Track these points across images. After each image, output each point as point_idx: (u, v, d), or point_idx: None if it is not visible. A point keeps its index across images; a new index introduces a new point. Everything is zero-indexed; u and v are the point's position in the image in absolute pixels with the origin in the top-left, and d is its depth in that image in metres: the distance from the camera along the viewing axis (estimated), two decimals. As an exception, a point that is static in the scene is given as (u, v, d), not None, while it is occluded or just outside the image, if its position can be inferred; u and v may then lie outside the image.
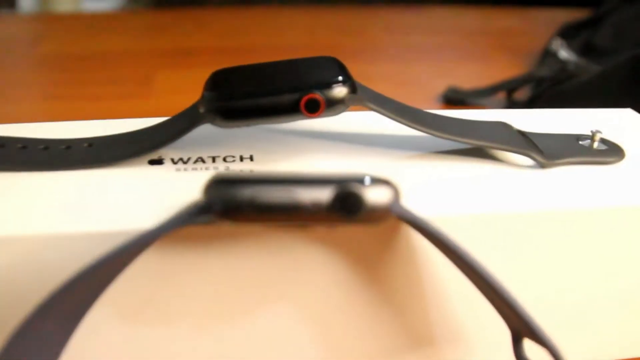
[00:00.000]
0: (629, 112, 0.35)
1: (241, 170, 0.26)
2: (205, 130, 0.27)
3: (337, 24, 0.87)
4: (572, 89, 0.51)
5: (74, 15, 1.04)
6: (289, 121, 0.25)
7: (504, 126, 0.30)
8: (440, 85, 0.59)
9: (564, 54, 0.61)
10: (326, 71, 0.25)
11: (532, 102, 0.54)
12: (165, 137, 0.27)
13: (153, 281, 0.23)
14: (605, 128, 0.31)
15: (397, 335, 0.26)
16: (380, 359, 0.27)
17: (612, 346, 0.29)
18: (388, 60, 0.73)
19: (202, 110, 0.25)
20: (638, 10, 0.65)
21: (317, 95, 0.24)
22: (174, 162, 0.27)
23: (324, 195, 0.20)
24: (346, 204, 0.21)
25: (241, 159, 0.27)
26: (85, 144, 0.28)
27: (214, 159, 0.27)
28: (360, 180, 0.21)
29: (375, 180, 0.21)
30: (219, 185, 0.21)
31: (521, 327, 0.22)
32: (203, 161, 0.27)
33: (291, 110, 0.24)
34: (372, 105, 0.25)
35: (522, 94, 0.57)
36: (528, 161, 0.28)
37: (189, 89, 0.31)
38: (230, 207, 0.20)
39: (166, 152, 0.27)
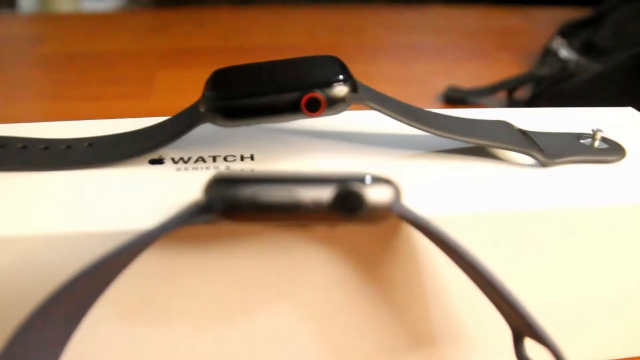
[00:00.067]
0: (629, 110, 0.35)
1: (242, 170, 0.26)
2: (206, 129, 0.27)
3: (338, 23, 0.87)
4: (572, 87, 0.51)
5: (74, 15, 1.04)
6: (290, 120, 0.25)
7: (504, 125, 0.29)
8: (441, 85, 0.59)
9: (565, 52, 0.61)
10: (327, 70, 0.25)
11: (532, 101, 0.54)
12: (165, 136, 0.27)
13: (153, 281, 0.23)
14: (606, 127, 0.31)
15: (398, 334, 0.26)
16: (381, 358, 0.27)
17: (613, 345, 0.29)
18: (388, 59, 0.73)
19: (202, 109, 0.25)
20: (638, 9, 0.65)
21: (318, 94, 0.24)
22: (174, 161, 0.27)
23: (324, 194, 0.20)
24: (347, 203, 0.20)
25: (242, 158, 0.27)
26: (86, 144, 0.28)
27: (214, 159, 0.27)
28: (361, 180, 0.21)
29: (376, 179, 0.21)
30: (220, 184, 0.20)
31: (522, 327, 0.22)
32: (204, 161, 0.27)
33: (292, 109, 0.24)
34: (372, 104, 0.25)
35: (522, 93, 0.57)
36: (529, 160, 0.28)
37: (189, 89, 0.31)
38: (231, 207, 0.20)
39: (167, 152, 0.27)
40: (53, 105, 0.56)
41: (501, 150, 0.28)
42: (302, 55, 0.26)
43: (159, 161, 0.27)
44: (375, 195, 0.21)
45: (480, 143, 0.27)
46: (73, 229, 0.22)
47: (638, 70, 0.45)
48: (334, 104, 0.25)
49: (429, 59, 0.72)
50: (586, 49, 0.63)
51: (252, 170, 0.25)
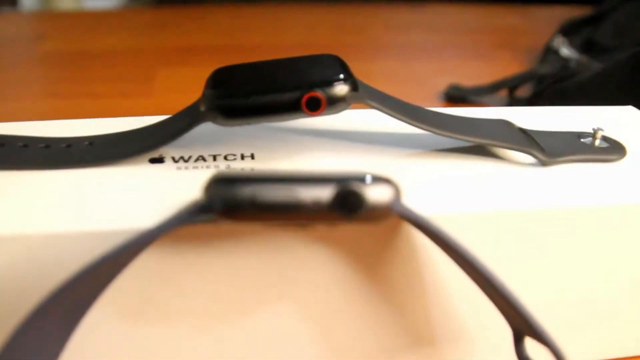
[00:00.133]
0: (630, 109, 0.35)
1: (242, 169, 0.26)
2: (206, 128, 0.27)
3: (339, 22, 0.87)
4: (573, 86, 0.51)
5: (75, 14, 1.04)
6: (290, 119, 0.25)
7: (505, 124, 0.29)
8: (442, 83, 0.59)
9: (566, 51, 0.61)
10: (327, 69, 0.25)
11: (533, 100, 0.54)
12: (166, 135, 0.27)
13: (153, 280, 0.23)
14: (606, 125, 0.31)
15: (398, 334, 0.26)
16: (381, 358, 0.27)
17: (613, 344, 0.29)
18: (389, 58, 0.73)
19: (203, 108, 0.25)
20: (639, 8, 0.64)
21: (319, 93, 0.24)
22: (174, 160, 0.27)
23: (324, 193, 0.20)
24: (347, 203, 0.20)
25: (242, 157, 0.27)
26: (86, 143, 0.28)
27: (214, 158, 0.27)
28: (361, 179, 0.21)
29: (376, 179, 0.21)
30: (219, 184, 0.20)
31: (522, 326, 0.22)
32: (204, 160, 0.27)
33: (292, 108, 0.24)
34: (373, 103, 0.25)
35: (523, 91, 0.57)
36: (529, 159, 0.28)
37: (190, 87, 0.31)
38: (231, 206, 0.20)
39: (167, 151, 0.27)
40: (54, 103, 0.56)
41: (502, 149, 0.28)
42: (303, 54, 0.26)
43: (159, 160, 0.27)
44: (376, 194, 0.21)
45: (481, 142, 0.27)
46: (73, 228, 0.22)
47: (639, 69, 0.45)
48: (335, 103, 0.25)
49: (429, 58, 0.72)
50: (587, 48, 0.62)
51: (252, 170, 0.25)
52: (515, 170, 0.27)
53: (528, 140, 0.28)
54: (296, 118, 0.25)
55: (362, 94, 0.25)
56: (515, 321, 0.23)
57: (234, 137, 0.29)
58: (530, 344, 0.23)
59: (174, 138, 0.26)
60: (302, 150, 0.28)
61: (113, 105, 0.55)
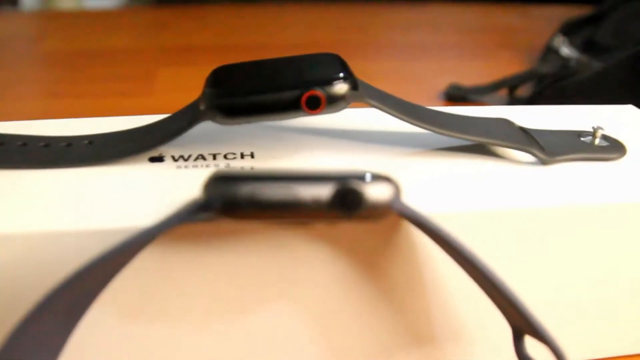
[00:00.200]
0: (630, 108, 0.35)
1: (242, 168, 0.26)
2: (206, 127, 0.27)
3: (339, 21, 0.87)
4: (573, 85, 0.51)
5: (75, 13, 1.04)
6: (290, 118, 0.25)
7: (505, 123, 0.29)
8: (442, 83, 0.59)
9: (566, 50, 0.61)
10: (327, 68, 0.25)
11: (533, 99, 0.54)
12: (165, 134, 0.27)
13: (153, 279, 0.23)
14: (606, 124, 0.31)
15: (398, 332, 0.26)
16: (380, 356, 0.27)
17: (613, 343, 0.29)
18: (389, 57, 0.73)
19: (202, 107, 0.25)
20: (639, 7, 0.65)
21: (318, 92, 0.24)
22: (174, 159, 0.27)
23: (324, 192, 0.20)
24: (347, 201, 0.20)
25: (242, 156, 0.27)
26: (86, 142, 0.28)
27: (214, 156, 0.27)
28: (360, 177, 0.21)
29: (376, 177, 0.21)
30: (219, 182, 0.20)
31: (522, 324, 0.22)
32: (204, 158, 0.27)
33: (292, 107, 0.24)
34: (373, 102, 0.25)
35: (524, 90, 0.57)
36: (529, 158, 0.28)
37: (191, 86, 0.31)
38: (230, 205, 0.20)
39: (167, 150, 0.27)
40: (54, 102, 0.56)
41: (502, 148, 0.28)
42: (304, 53, 0.26)
43: (159, 159, 0.27)
44: (375, 192, 0.21)
45: (481, 141, 0.27)
46: (73, 227, 0.22)
47: (639, 69, 0.45)
48: (334, 102, 0.25)
49: (430, 57, 0.72)
50: (587, 47, 0.62)
51: (252, 168, 0.25)
52: (515, 169, 0.27)
53: (528, 139, 0.28)
54: (296, 117, 0.25)
55: (361, 93, 0.25)
56: (514, 319, 0.23)
57: (233, 135, 0.29)
58: (529, 342, 0.23)
59: (174, 137, 0.26)
60: (301, 149, 0.28)
61: (113, 105, 0.55)
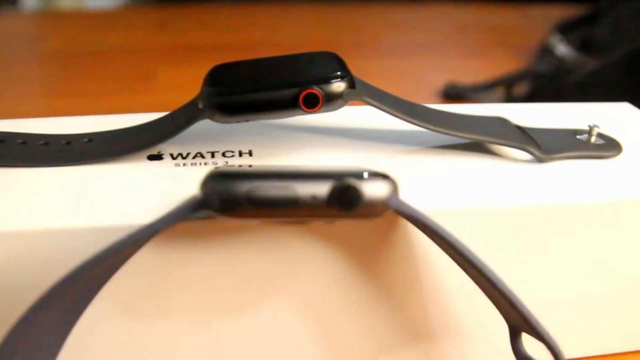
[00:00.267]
0: (626, 106, 0.35)
1: (240, 166, 0.26)
2: (205, 125, 0.27)
3: (337, 20, 0.87)
4: (570, 83, 0.51)
5: (75, 13, 1.04)
6: (288, 116, 0.25)
7: (502, 121, 0.30)
8: (439, 81, 0.59)
9: (562, 49, 0.61)
10: (325, 66, 0.25)
11: (530, 97, 0.54)
12: (164, 132, 0.27)
13: (151, 277, 0.23)
14: (602, 122, 0.31)
15: (395, 329, 0.26)
16: (378, 353, 0.27)
17: (610, 340, 0.29)
18: (387, 56, 0.73)
19: (201, 105, 0.25)
20: (635, 6, 0.65)
21: (316, 90, 0.24)
22: (173, 157, 0.27)
23: (322, 189, 0.20)
24: (344, 198, 0.20)
25: (240, 154, 0.27)
26: (85, 140, 0.28)
27: (213, 154, 0.27)
28: (358, 175, 0.21)
29: (374, 175, 0.21)
30: (216, 180, 0.20)
31: (519, 322, 0.22)
32: (202, 156, 0.27)
33: (290, 105, 0.24)
34: (370, 101, 0.26)
35: (520, 89, 0.57)
36: (526, 156, 0.28)
37: (190, 85, 0.31)
38: (228, 202, 0.20)
39: (165, 148, 0.27)
40: (54, 101, 0.57)
41: (498, 146, 0.28)
42: (302, 52, 0.26)
43: (157, 157, 0.27)
44: (373, 190, 0.21)
45: (477, 139, 0.28)
46: (72, 224, 0.22)
47: (634, 67, 0.45)
48: (332, 100, 0.25)
49: (426, 56, 0.72)
50: (584, 46, 0.63)
51: (250, 166, 0.26)
52: (512, 166, 0.27)
53: (524, 137, 0.28)
54: (294, 115, 0.25)
55: (359, 91, 0.25)
56: (511, 317, 0.23)
57: (231, 134, 0.29)
58: (526, 340, 0.23)
59: (173, 135, 0.26)
60: (299, 147, 0.28)
61: (113, 104, 0.55)
